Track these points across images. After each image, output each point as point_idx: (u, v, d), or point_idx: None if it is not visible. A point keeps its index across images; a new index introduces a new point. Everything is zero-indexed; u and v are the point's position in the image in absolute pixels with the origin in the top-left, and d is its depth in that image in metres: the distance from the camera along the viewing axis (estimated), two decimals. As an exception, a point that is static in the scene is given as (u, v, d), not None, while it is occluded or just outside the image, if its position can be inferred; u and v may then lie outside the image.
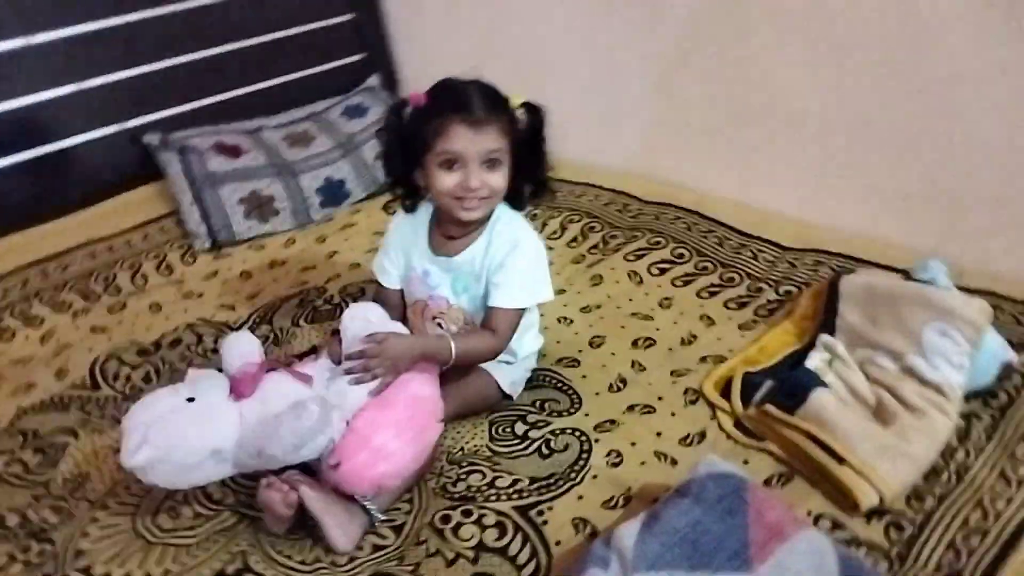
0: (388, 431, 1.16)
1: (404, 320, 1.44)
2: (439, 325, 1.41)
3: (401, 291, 1.46)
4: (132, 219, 2.18)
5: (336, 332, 1.31)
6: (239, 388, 1.17)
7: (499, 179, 1.29)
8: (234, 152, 2.23)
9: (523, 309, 1.36)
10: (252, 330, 1.71)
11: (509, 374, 1.42)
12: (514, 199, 1.38)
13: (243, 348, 1.25)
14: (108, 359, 1.65)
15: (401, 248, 1.44)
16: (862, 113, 1.77)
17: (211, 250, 2.07)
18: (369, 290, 1.81)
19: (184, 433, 1.12)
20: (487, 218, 1.37)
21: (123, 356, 1.65)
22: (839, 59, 1.75)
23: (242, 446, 1.13)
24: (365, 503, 1.17)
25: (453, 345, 1.29)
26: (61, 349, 1.71)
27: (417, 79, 2.80)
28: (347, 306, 1.72)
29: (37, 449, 1.42)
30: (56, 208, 2.16)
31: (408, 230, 1.44)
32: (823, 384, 1.32)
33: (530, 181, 1.37)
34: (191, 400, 1.15)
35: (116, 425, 1.44)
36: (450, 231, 1.38)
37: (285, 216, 2.17)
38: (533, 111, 1.31)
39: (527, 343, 1.47)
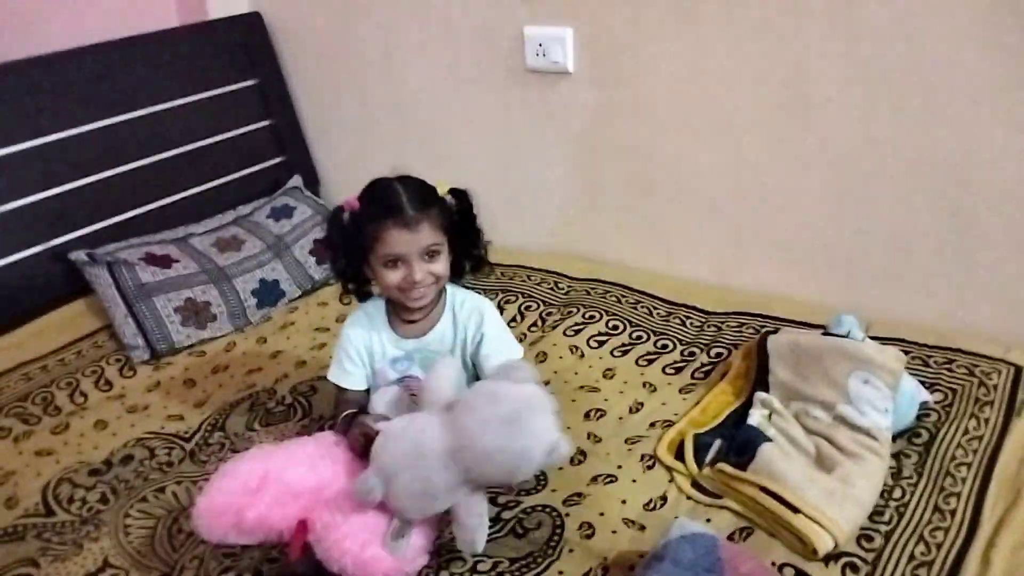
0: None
1: None
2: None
3: (366, 391, 1.48)
4: (64, 337, 2.13)
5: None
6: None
7: (440, 266, 1.38)
8: (164, 262, 2.23)
9: None
10: (205, 439, 1.71)
11: None
12: (454, 274, 1.46)
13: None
14: (60, 483, 1.60)
15: (363, 346, 1.47)
16: (766, 181, 1.94)
17: (150, 361, 2.05)
18: (319, 387, 1.84)
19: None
20: (440, 297, 1.46)
21: (74, 478, 1.61)
22: (740, 131, 1.92)
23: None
24: None
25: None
26: (6, 477, 1.65)
27: (336, 176, 2.90)
28: (300, 405, 1.75)
29: (-6, 586, 1.38)
30: (-18, 333, 2.11)
31: (365, 327, 1.48)
32: (767, 439, 1.42)
33: (468, 258, 1.47)
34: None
35: (79, 551, 1.41)
36: (410, 316, 1.46)
37: (223, 320, 2.17)
38: (459, 195, 1.41)
39: None
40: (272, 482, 1.22)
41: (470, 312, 1.46)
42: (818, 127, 1.81)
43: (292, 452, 1.29)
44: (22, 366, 2.03)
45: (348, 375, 1.47)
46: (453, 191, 1.40)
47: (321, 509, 1.22)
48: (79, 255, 2.21)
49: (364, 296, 1.50)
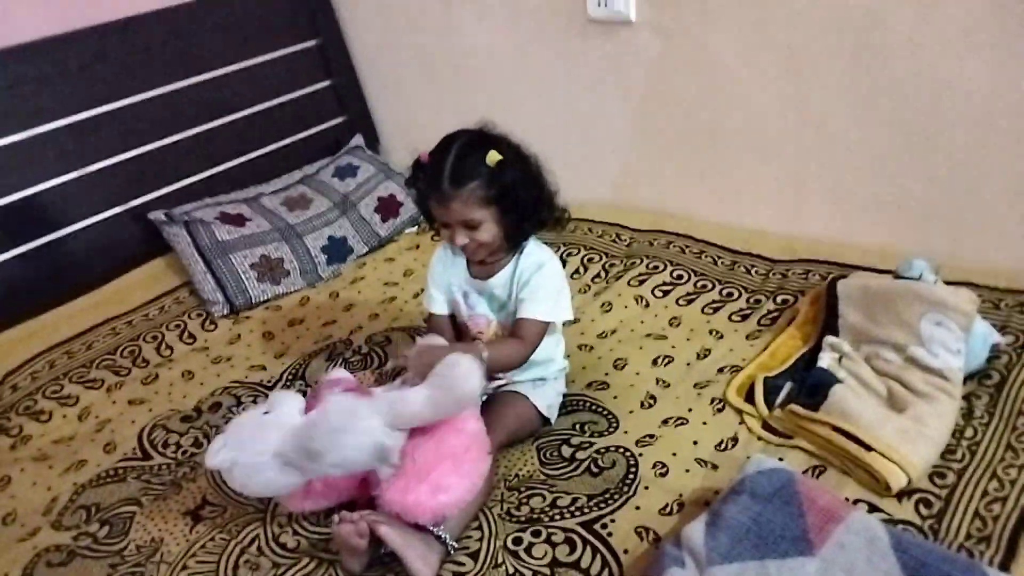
0: (445, 464, 1.26)
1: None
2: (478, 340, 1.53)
3: (451, 317, 1.60)
4: (147, 294, 2.24)
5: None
6: (309, 403, 1.30)
7: (484, 234, 1.42)
8: (238, 221, 2.31)
9: (547, 323, 1.48)
10: (286, 386, 1.79)
11: (544, 397, 1.53)
12: (517, 235, 1.49)
13: (333, 376, 1.41)
14: (154, 429, 1.70)
15: (442, 277, 1.57)
16: (831, 128, 1.92)
17: (229, 315, 2.14)
18: (393, 337, 1.91)
19: (252, 436, 1.26)
20: (514, 247, 1.50)
21: (167, 425, 1.71)
22: (805, 78, 1.89)
23: (293, 443, 1.23)
24: (439, 532, 1.25)
25: (483, 349, 1.41)
26: (102, 424, 1.76)
27: (396, 135, 2.93)
28: (376, 355, 1.82)
29: (103, 522, 1.47)
30: (71, 291, 2.21)
31: (446, 260, 1.57)
32: (839, 380, 1.44)
33: (527, 221, 1.48)
34: (266, 413, 1.29)
35: (178, 491, 1.51)
36: (476, 268, 1.52)
37: (295, 276, 2.25)
38: (504, 167, 1.39)
39: (556, 363, 1.59)
40: None
41: (532, 263, 1.50)
42: (887, 72, 1.78)
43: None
44: (109, 321, 2.13)
45: (433, 300, 1.59)
46: (500, 163, 1.38)
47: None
48: (158, 215, 2.30)
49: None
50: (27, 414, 1.82)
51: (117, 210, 2.32)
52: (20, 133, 2.12)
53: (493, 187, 1.38)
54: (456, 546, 1.26)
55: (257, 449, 1.24)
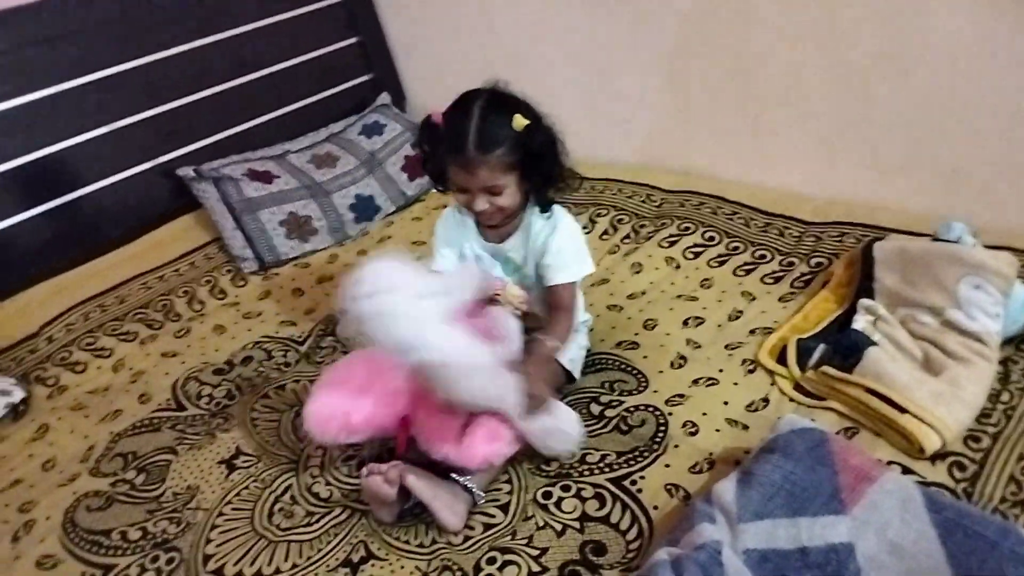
0: (499, 415, 1.26)
1: None
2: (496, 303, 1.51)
3: None
4: (178, 249, 2.26)
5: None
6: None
7: (505, 199, 1.40)
8: (266, 178, 2.31)
9: (576, 281, 1.48)
10: (317, 342, 1.80)
11: (566, 352, 1.52)
12: (540, 201, 1.47)
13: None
14: (187, 381, 1.73)
15: (452, 240, 1.55)
16: (866, 88, 1.88)
17: (258, 272, 2.15)
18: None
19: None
20: (523, 209, 1.48)
21: (200, 377, 1.74)
22: (841, 36, 1.85)
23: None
24: (465, 483, 1.26)
25: (552, 345, 1.41)
26: (137, 376, 1.78)
27: (423, 92, 2.91)
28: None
29: (140, 469, 1.51)
30: (103, 245, 2.24)
31: (455, 223, 1.55)
32: (873, 343, 1.42)
33: (547, 185, 1.46)
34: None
35: (212, 440, 1.53)
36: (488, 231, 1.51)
37: (323, 234, 2.26)
38: (533, 131, 1.36)
39: (577, 317, 1.57)
40: (375, 385, 1.31)
41: (543, 226, 1.47)
42: (928, 32, 1.73)
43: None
44: (141, 276, 2.16)
45: (444, 259, 1.55)
46: (528, 127, 1.35)
47: (419, 406, 1.30)
48: (186, 171, 2.31)
49: None
50: (63, 365, 1.86)
51: (146, 166, 2.33)
52: (49, 88, 2.13)
53: (518, 152, 1.36)
54: (483, 496, 1.28)
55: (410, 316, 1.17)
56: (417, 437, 1.31)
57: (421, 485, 1.23)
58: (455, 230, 1.55)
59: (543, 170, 1.41)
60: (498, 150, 1.34)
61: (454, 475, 1.27)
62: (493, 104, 1.36)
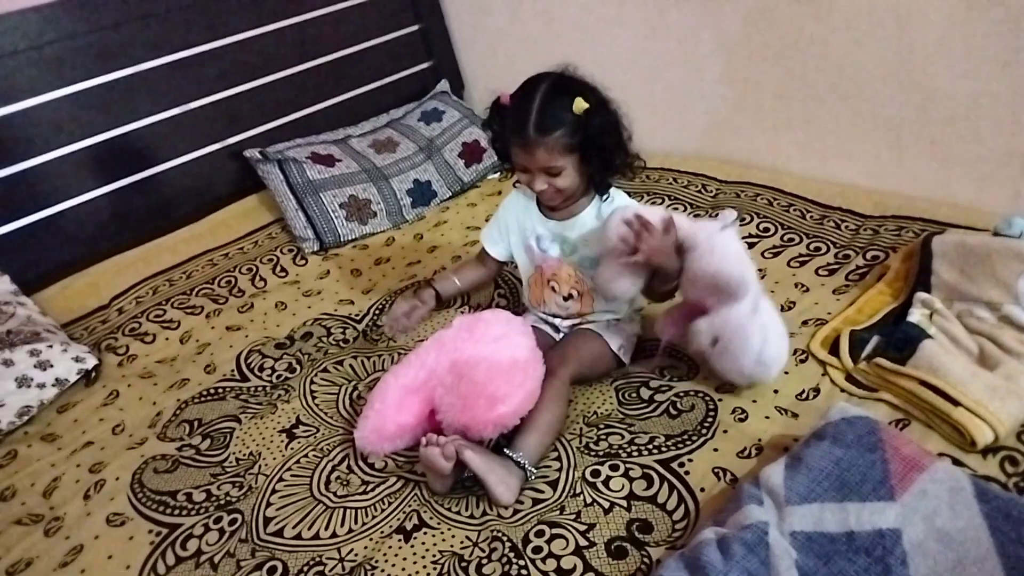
0: (499, 378, 1.32)
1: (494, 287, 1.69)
2: (552, 289, 1.56)
3: (500, 263, 1.66)
4: (242, 228, 2.34)
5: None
6: None
7: (563, 181, 1.43)
8: (328, 161, 2.37)
9: None
10: (374, 320, 1.85)
11: (617, 337, 1.55)
12: (598, 184, 1.50)
13: None
14: (250, 354, 1.80)
15: (514, 221, 1.59)
16: (929, 82, 1.86)
17: (319, 252, 2.22)
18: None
19: None
20: (585, 194, 1.51)
21: (262, 350, 1.80)
22: (905, 29, 1.83)
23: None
24: (517, 458, 1.30)
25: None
26: (203, 348, 1.86)
27: (481, 81, 2.95)
28: (461, 295, 1.86)
29: (205, 435, 1.57)
30: (171, 222, 2.33)
31: (521, 204, 1.59)
32: (928, 336, 1.42)
33: (607, 170, 1.48)
34: None
35: (274, 410, 1.59)
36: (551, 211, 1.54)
37: (381, 217, 2.31)
38: (594, 116, 1.38)
39: (630, 304, 1.61)
40: (391, 390, 1.39)
41: (606, 210, 1.49)
42: (992, 23, 1.71)
43: (406, 358, 1.46)
44: (207, 253, 2.24)
45: (493, 242, 1.64)
46: (588, 111, 1.37)
47: (437, 390, 1.37)
48: (252, 153, 2.38)
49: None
50: (132, 335, 1.94)
51: (214, 147, 2.42)
52: (123, 70, 2.22)
53: (577, 135, 1.38)
54: (535, 472, 1.31)
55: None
56: (442, 422, 1.35)
57: (477, 460, 1.27)
58: (521, 210, 1.59)
59: (602, 154, 1.43)
60: (557, 132, 1.36)
61: (507, 451, 1.31)
62: (558, 87, 1.39)
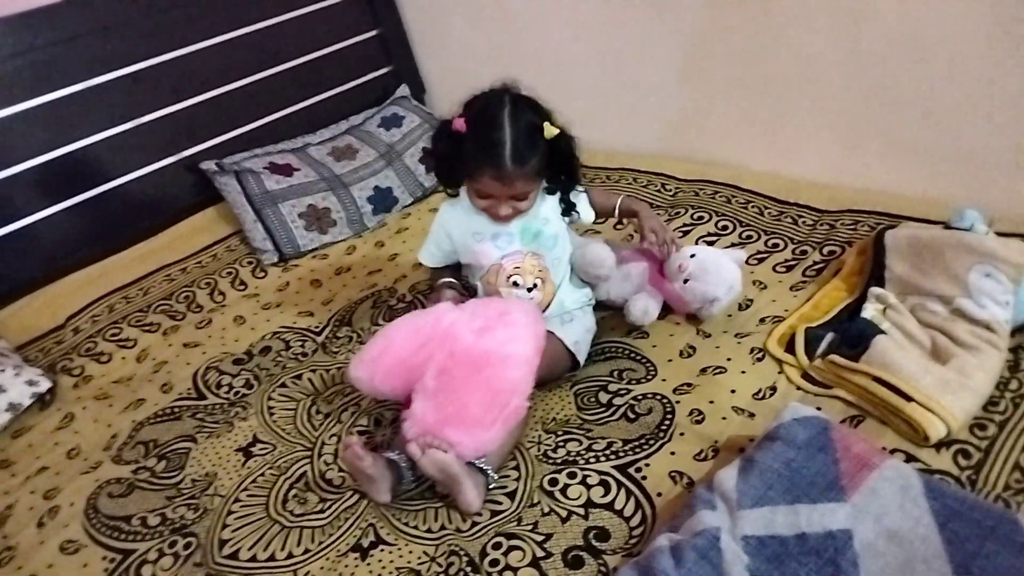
0: (485, 405, 1.29)
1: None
2: (515, 284, 1.55)
3: (447, 268, 1.65)
4: (200, 242, 2.31)
5: None
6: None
7: (528, 203, 1.46)
8: (286, 170, 2.35)
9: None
10: (334, 332, 1.83)
11: (572, 333, 1.54)
12: (563, 198, 1.56)
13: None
14: (208, 371, 1.77)
15: (457, 232, 1.57)
16: (882, 75, 1.86)
17: (278, 263, 2.19)
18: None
19: None
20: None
21: (220, 367, 1.78)
22: (857, 24, 1.84)
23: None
24: (481, 464, 1.29)
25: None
26: (159, 366, 1.83)
27: (442, 84, 2.93)
28: (420, 304, 1.85)
29: (160, 457, 1.55)
30: (128, 238, 2.29)
31: (459, 214, 1.57)
32: (881, 331, 1.42)
33: (562, 191, 1.54)
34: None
35: (231, 428, 1.57)
36: None
37: (342, 226, 2.29)
38: (561, 138, 1.41)
39: (584, 291, 1.64)
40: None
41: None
42: (946, 16, 1.72)
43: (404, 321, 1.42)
44: (165, 268, 2.21)
45: (431, 256, 1.63)
46: (559, 135, 1.41)
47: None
48: (209, 165, 2.35)
49: (456, 193, 1.59)
50: (88, 355, 1.91)
51: (169, 160, 2.38)
52: (75, 85, 2.17)
53: (546, 159, 1.41)
54: (496, 477, 1.31)
55: None
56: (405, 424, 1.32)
57: (453, 462, 1.23)
58: (462, 219, 1.56)
59: (564, 174, 1.48)
60: (533, 160, 1.38)
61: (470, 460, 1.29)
62: (521, 112, 1.39)
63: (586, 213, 1.62)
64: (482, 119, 1.39)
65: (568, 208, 1.57)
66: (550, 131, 1.39)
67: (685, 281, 1.58)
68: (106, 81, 2.22)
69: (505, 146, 1.35)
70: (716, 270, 1.58)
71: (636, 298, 1.62)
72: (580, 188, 1.60)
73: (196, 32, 2.38)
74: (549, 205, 1.56)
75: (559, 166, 1.45)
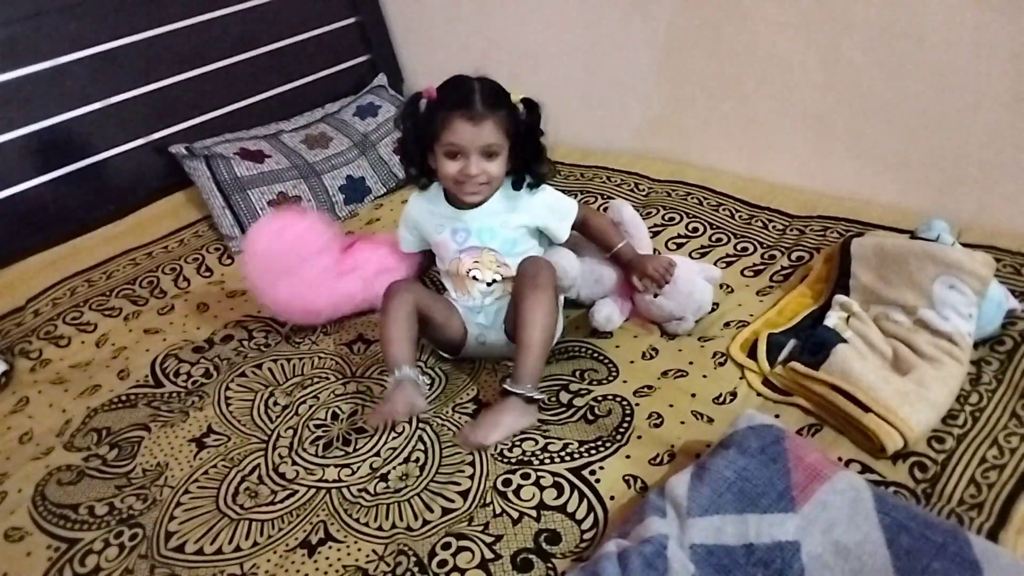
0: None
1: (422, 278, 1.80)
2: (474, 278, 1.56)
3: (422, 253, 1.73)
4: (167, 226, 2.27)
5: None
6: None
7: (496, 167, 1.47)
8: (258, 157, 2.32)
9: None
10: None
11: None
12: (515, 184, 1.54)
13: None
14: (167, 358, 1.74)
15: (418, 221, 1.62)
16: (858, 82, 1.86)
17: (246, 251, 2.16)
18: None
19: None
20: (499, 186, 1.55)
21: (180, 355, 1.75)
22: (834, 29, 1.83)
23: None
24: (527, 392, 1.38)
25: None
26: (118, 352, 1.80)
27: (420, 75, 2.91)
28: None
29: (112, 445, 1.52)
30: (93, 220, 2.25)
31: (424, 204, 1.61)
32: (843, 340, 1.42)
33: (528, 170, 1.53)
34: None
35: (185, 418, 1.55)
36: (463, 202, 1.55)
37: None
38: (531, 106, 1.48)
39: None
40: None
41: (523, 188, 1.55)
42: (921, 25, 1.71)
43: None
44: (130, 252, 2.18)
45: (404, 240, 1.68)
46: (525, 100, 1.47)
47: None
48: (178, 148, 2.31)
49: (425, 186, 1.60)
50: (47, 339, 1.88)
51: (139, 142, 2.34)
52: (44, 63, 2.13)
53: (514, 123, 1.45)
54: (542, 395, 1.42)
55: None
56: None
57: (501, 430, 1.35)
58: (426, 208, 1.61)
59: (529, 148, 1.50)
60: (502, 110, 1.43)
61: (510, 387, 1.38)
62: (487, 79, 1.47)
63: (561, 233, 1.60)
64: (451, 84, 1.46)
65: (518, 182, 1.54)
66: (516, 96, 1.46)
67: (655, 295, 1.58)
68: (75, 60, 2.18)
69: (475, 92, 1.41)
70: (688, 290, 1.57)
71: (602, 303, 1.61)
72: (573, 211, 1.60)
73: (172, 12, 2.34)
74: (527, 213, 1.56)
75: (526, 138, 1.48)
